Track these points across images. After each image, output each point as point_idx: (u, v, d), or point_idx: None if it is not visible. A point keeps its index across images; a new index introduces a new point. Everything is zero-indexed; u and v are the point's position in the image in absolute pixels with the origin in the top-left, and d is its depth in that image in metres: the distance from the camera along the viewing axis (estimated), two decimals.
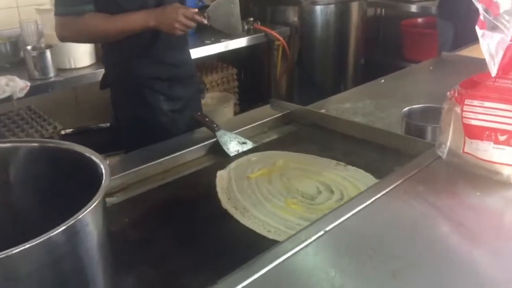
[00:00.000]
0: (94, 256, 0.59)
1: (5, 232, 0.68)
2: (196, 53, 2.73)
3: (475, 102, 0.85)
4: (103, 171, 0.62)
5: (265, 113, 1.60)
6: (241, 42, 2.96)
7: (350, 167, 1.27)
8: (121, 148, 1.67)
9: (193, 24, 1.52)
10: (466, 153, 0.89)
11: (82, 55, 2.32)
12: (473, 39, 2.35)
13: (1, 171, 0.67)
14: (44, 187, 0.69)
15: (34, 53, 2.11)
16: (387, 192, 0.90)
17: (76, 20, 1.50)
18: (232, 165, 1.29)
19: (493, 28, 0.82)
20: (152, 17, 1.49)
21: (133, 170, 1.25)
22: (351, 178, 1.21)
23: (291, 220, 1.05)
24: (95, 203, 0.57)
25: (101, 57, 1.75)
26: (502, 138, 0.84)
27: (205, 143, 1.40)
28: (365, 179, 1.21)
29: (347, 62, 3.38)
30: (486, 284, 0.69)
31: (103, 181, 0.60)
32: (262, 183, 1.19)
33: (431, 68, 2.13)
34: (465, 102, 0.89)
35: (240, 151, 1.38)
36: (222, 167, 1.28)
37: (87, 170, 0.64)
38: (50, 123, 2.51)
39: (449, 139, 0.91)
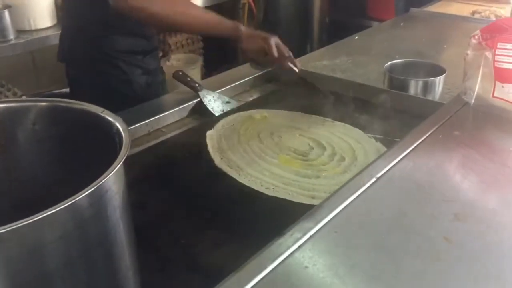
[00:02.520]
0: (118, 220, 0.57)
1: (15, 194, 0.65)
2: None
3: (508, 46, 0.86)
4: (121, 130, 0.59)
5: (246, 72, 1.57)
6: (206, 1, 2.88)
7: (337, 122, 1.27)
8: None
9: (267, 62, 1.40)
10: (496, 97, 0.91)
11: (42, 15, 2.20)
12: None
13: (10, 131, 0.63)
14: (56, 148, 0.65)
15: None
16: (425, 139, 0.92)
17: None
18: (220, 124, 1.27)
19: None
20: (242, 29, 1.37)
21: None
22: (340, 134, 1.22)
23: (287, 177, 1.05)
24: (117, 166, 0.54)
25: (62, 27, 1.61)
26: None
27: (189, 103, 1.37)
28: (354, 133, 1.22)
29: (312, 21, 3.36)
30: None
31: (123, 142, 0.57)
32: (253, 142, 1.18)
33: (401, 24, 2.14)
34: (498, 46, 0.90)
35: (225, 111, 1.36)
36: (209, 127, 1.26)
37: (101, 131, 0.61)
38: (9, 89, 2.40)
39: (478, 85, 0.92)
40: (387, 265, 0.63)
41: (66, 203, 0.50)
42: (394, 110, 1.32)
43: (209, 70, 3.13)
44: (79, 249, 0.53)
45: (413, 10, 2.24)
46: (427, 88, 1.34)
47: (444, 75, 1.34)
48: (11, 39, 2.09)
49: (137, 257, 0.63)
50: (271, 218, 0.94)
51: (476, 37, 0.91)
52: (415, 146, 0.88)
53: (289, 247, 0.66)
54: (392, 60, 1.45)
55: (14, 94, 2.34)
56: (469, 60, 0.93)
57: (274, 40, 1.38)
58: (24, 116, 0.63)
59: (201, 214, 0.95)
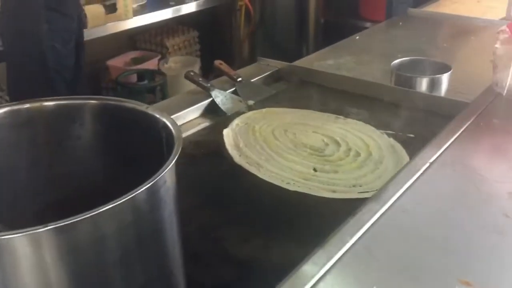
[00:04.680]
0: (171, 212, 0.60)
1: (63, 190, 0.67)
2: (157, 16, 2.66)
3: None
4: (169, 125, 0.61)
5: (253, 72, 1.60)
6: (202, 4, 2.90)
7: (349, 119, 1.31)
8: None
9: None
10: None
11: None
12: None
13: (60, 129, 0.65)
14: (103, 145, 0.67)
15: None
16: (468, 126, 0.97)
17: None
18: (234, 123, 1.29)
19: None
20: None
21: None
22: (353, 130, 1.25)
23: (306, 172, 1.08)
24: (174, 159, 0.57)
25: None
26: None
27: (202, 103, 1.39)
28: (366, 129, 1.25)
29: (308, 22, 3.40)
30: None
31: (174, 136, 0.60)
32: (268, 139, 1.21)
33: (400, 24, 2.19)
34: None
35: (237, 110, 1.39)
36: (224, 126, 1.28)
37: (147, 127, 0.63)
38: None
39: (510, 77, 0.97)
40: (457, 237, 0.68)
41: (127, 197, 0.52)
42: (402, 107, 1.36)
43: (206, 72, 3.16)
44: (137, 240, 0.55)
45: (411, 10, 2.29)
46: (434, 85, 1.38)
47: (450, 72, 1.38)
48: None
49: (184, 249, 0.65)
50: (295, 211, 0.97)
51: (505, 31, 0.96)
52: (460, 133, 0.93)
53: (362, 225, 0.70)
54: (394, 59, 1.49)
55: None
56: (500, 54, 0.98)
57: None
58: (73, 114, 0.65)
59: (226, 209, 0.97)
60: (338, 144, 1.19)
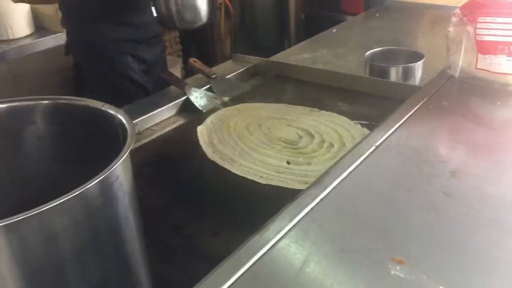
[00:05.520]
0: (127, 207, 0.59)
1: (19, 193, 0.66)
2: None
3: (488, 19, 0.92)
4: (124, 121, 0.61)
5: (229, 68, 1.60)
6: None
7: (324, 112, 1.31)
8: None
9: None
10: (479, 69, 0.98)
11: (20, 24, 2.19)
12: None
13: (13, 130, 0.64)
14: (60, 145, 0.67)
15: None
16: (418, 109, 0.98)
17: None
18: (208, 120, 1.29)
19: None
20: None
21: None
22: (327, 122, 1.25)
23: (279, 165, 1.08)
24: (126, 154, 0.56)
25: (61, 21, 1.63)
26: None
27: (176, 101, 1.38)
28: (340, 121, 1.25)
29: (288, 18, 3.40)
30: None
31: (128, 132, 0.59)
32: (243, 134, 1.21)
33: (377, 15, 2.19)
34: (478, 20, 0.96)
35: (212, 107, 1.38)
36: (199, 123, 1.28)
37: (104, 125, 0.63)
38: None
39: (461, 58, 0.97)
40: (394, 218, 0.69)
41: (78, 191, 0.51)
42: (376, 97, 1.37)
43: (188, 71, 3.15)
44: (91, 236, 0.55)
45: (388, 1, 2.30)
46: (407, 73, 1.39)
47: (422, 60, 1.38)
48: None
49: (145, 241, 0.65)
50: (267, 204, 0.96)
51: (457, 14, 0.97)
52: (408, 117, 0.94)
53: (302, 209, 0.71)
54: (371, 50, 1.50)
55: None
56: (452, 36, 0.98)
57: None
58: (26, 114, 0.64)
59: (199, 205, 0.97)
60: (312, 136, 1.19)
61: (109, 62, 1.53)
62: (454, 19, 0.97)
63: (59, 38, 2.25)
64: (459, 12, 0.97)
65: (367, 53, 1.46)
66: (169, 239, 0.87)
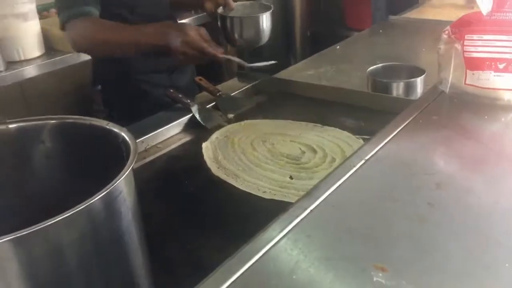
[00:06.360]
0: (130, 221, 0.61)
1: (27, 210, 0.69)
2: None
3: (475, 36, 0.95)
4: (127, 139, 0.64)
5: (233, 86, 1.63)
6: (193, 21, 2.94)
7: (326, 127, 1.33)
8: None
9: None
10: (468, 84, 1.01)
11: (31, 45, 2.24)
12: (405, 6, 2.48)
13: (22, 149, 0.67)
14: (66, 163, 0.69)
15: None
16: (408, 123, 1.01)
17: (87, 24, 1.36)
18: (214, 136, 1.32)
19: None
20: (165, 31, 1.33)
21: None
22: (329, 137, 1.27)
23: (282, 180, 1.10)
24: (128, 170, 0.59)
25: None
26: (501, 66, 0.95)
27: (182, 118, 1.41)
28: (343, 136, 1.27)
29: (294, 35, 3.45)
30: None
31: (131, 148, 0.62)
32: (247, 150, 1.23)
33: (380, 31, 2.22)
34: (466, 38, 0.99)
35: (217, 124, 1.41)
36: (204, 139, 1.30)
37: (108, 143, 0.66)
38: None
39: (451, 74, 1.00)
40: (379, 227, 0.72)
41: (82, 206, 0.54)
42: (379, 112, 1.39)
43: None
44: (96, 249, 0.57)
45: (392, 17, 2.33)
46: (408, 89, 1.41)
47: (423, 75, 1.40)
48: (1, 71, 2.12)
49: (149, 257, 0.67)
50: (270, 219, 0.98)
51: (447, 32, 1.00)
52: (398, 131, 0.97)
53: (293, 220, 0.73)
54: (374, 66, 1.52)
55: None
56: (442, 53, 1.01)
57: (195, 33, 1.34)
58: (35, 134, 0.67)
59: (203, 220, 0.99)
60: (314, 151, 1.21)
61: (143, 96, 1.54)
62: (444, 36, 1.00)
63: (69, 59, 2.31)
64: (449, 29, 1.00)
65: (369, 69, 1.49)
66: (173, 253, 0.89)
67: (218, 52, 1.34)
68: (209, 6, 1.54)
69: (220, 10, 1.53)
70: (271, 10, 1.52)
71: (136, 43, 1.37)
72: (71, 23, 1.38)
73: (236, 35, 1.50)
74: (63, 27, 1.41)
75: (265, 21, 1.50)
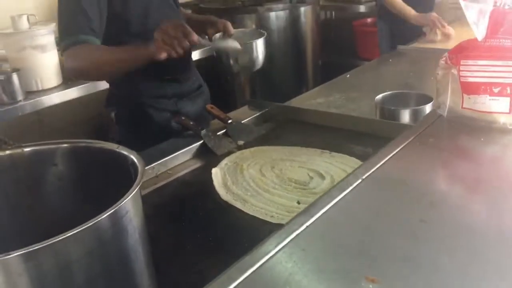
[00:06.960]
0: (137, 240, 0.63)
1: (39, 231, 0.71)
2: None
3: (470, 62, 0.98)
4: (135, 161, 0.66)
5: (244, 113, 1.66)
6: (201, 52, 3.00)
7: (334, 153, 1.34)
8: None
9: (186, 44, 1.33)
10: (465, 108, 1.03)
11: (48, 76, 2.31)
12: (410, 38, 2.52)
13: (36, 172, 0.70)
14: (78, 185, 0.72)
15: (1, 77, 2.09)
16: (406, 145, 1.04)
17: (83, 49, 1.39)
18: (223, 162, 1.34)
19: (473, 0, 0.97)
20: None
21: None
22: (337, 163, 1.29)
23: (290, 205, 1.11)
24: (135, 190, 0.61)
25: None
26: (496, 90, 0.98)
27: (193, 145, 1.44)
28: (351, 162, 1.29)
29: (305, 64, 3.50)
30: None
31: (138, 169, 0.64)
32: (255, 175, 1.25)
33: (390, 60, 2.25)
34: (461, 63, 1.03)
35: (227, 150, 1.43)
36: (213, 165, 1.33)
37: (118, 165, 0.68)
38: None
39: (448, 99, 1.02)
40: (372, 243, 0.74)
41: (90, 223, 0.56)
42: (387, 139, 1.40)
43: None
44: (103, 266, 0.59)
45: (400, 47, 2.36)
46: (416, 116, 1.42)
47: (431, 103, 1.42)
48: (20, 100, 2.18)
49: (155, 276, 0.69)
50: None
51: (444, 58, 1.02)
52: (396, 152, 0.99)
53: (289, 234, 0.77)
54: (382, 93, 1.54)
55: None
56: (440, 78, 1.04)
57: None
58: (48, 157, 0.70)
59: (211, 243, 1.01)
60: (322, 177, 1.22)
61: (149, 119, 1.58)
62: (441, 62, 1.02)
63: (85, 89, 2.37)
64: (447, 56, 1.03)
65: (378, 96, 1.51)
66: (179, 274, 0.90)
67: (194, 36, 1.35)
68: (211, 32, 1.59)
69: (218, 35, 1.57)
70: (264, 36, 1.55)
71: (125, 52, 1.42)
72: (70, 50, 1.40)
73: (231, 61, 1.53)
74: (62, 54, 1.46)
75: (259, 47, 1.53)
